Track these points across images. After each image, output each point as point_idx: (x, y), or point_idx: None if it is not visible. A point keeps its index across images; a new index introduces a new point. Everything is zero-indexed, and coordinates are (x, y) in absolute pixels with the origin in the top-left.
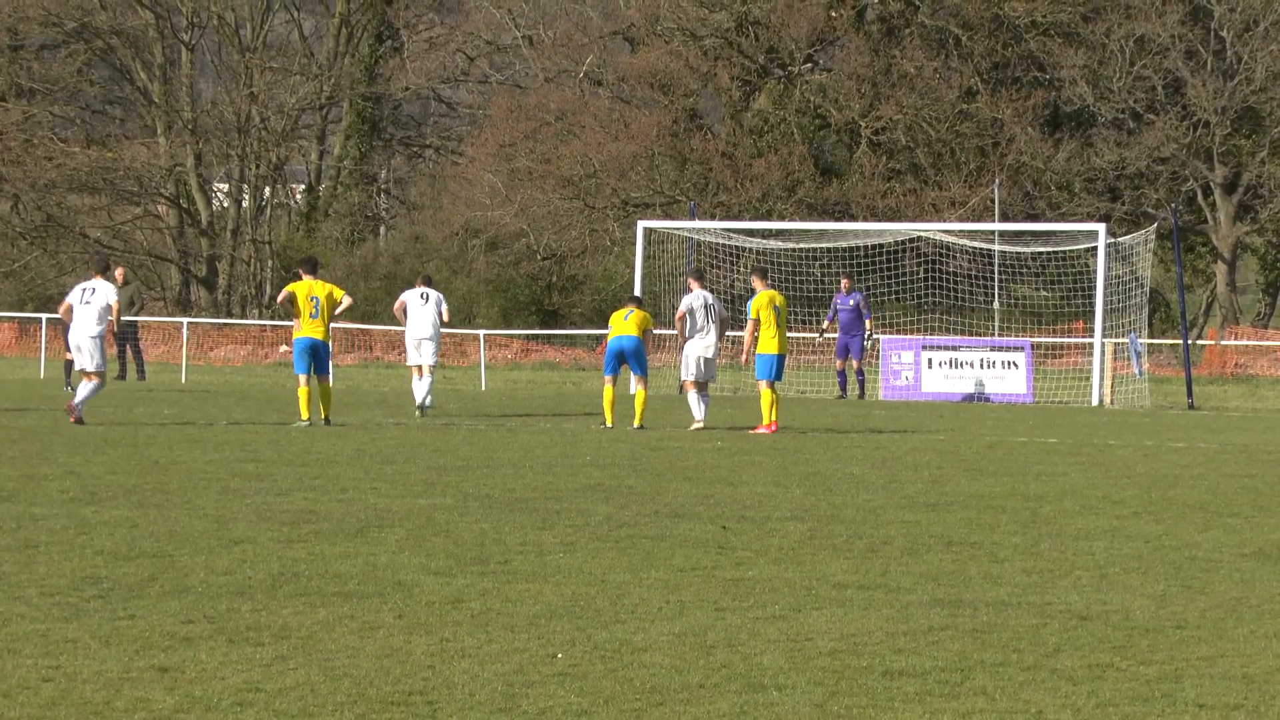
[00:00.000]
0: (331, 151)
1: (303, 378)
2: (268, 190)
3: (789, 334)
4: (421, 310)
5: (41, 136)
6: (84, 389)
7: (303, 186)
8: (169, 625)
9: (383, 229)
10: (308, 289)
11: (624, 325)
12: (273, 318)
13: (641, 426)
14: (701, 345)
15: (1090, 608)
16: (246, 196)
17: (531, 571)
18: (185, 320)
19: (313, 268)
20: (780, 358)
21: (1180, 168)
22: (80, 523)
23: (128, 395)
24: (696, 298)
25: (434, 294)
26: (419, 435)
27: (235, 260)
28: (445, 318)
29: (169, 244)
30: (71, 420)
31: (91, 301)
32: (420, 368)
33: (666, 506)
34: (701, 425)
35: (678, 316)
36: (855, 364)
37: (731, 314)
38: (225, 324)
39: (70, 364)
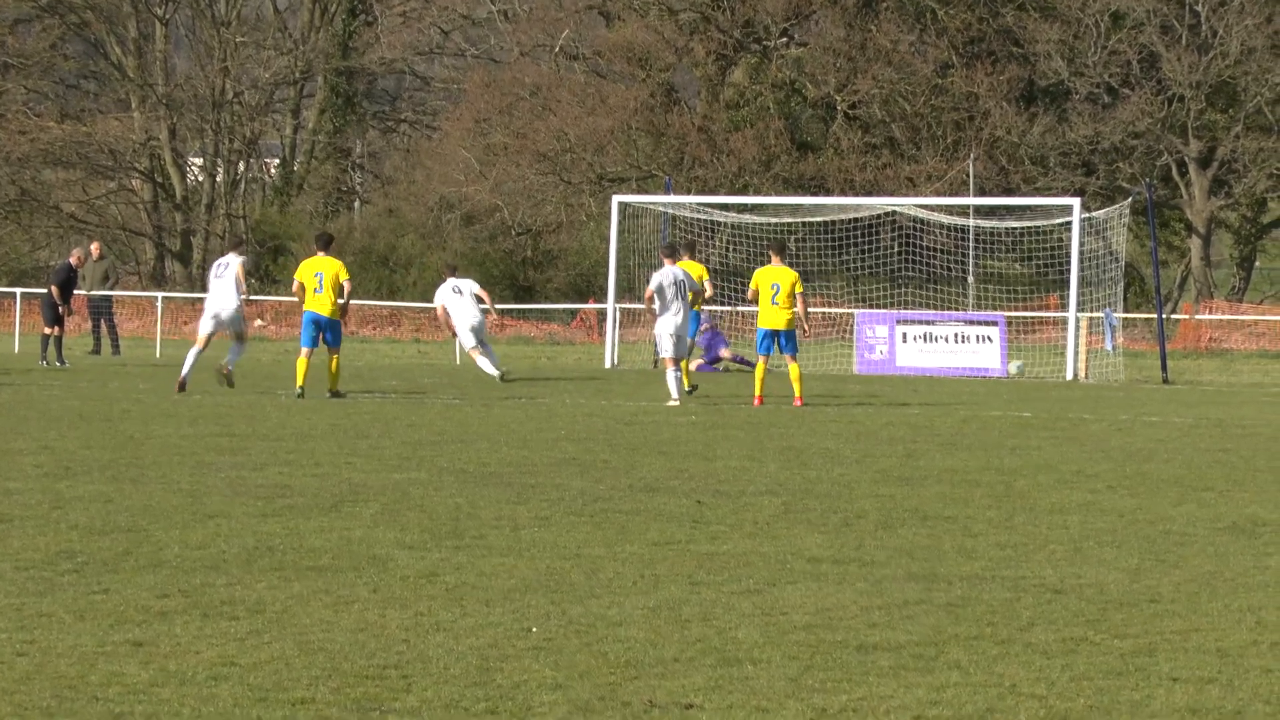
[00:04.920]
0: (306, 126)
1: (305, 351)
2: (242, 165)
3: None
4: (461, 302)
5: (15, 111)
6: (231, 351)
7: (277, 161)
8: (143, 599)
9: (357, 203)
10: (314, 266)
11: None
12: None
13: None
14: (673, 323)
15: (1064, 582)
16: (221, 171)
17: (506, 546)
18: (160, 295)
19: (325, 244)
20: (769, 332)
21: (1155, 142)
22: (54, 497)
23: (102, 370)
24: (666, 274)
25: (465, 284)
26: (393, 410)
27: (210, 235)
28: (485, 298)
29: (143, 218)
30: (225, 374)
31: (224, 275)
32: (477, 348)
33: (641, 481)
34: (677, 403)
35: (647, 295)
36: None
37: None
38: (200, 298)
39: (47, 338)
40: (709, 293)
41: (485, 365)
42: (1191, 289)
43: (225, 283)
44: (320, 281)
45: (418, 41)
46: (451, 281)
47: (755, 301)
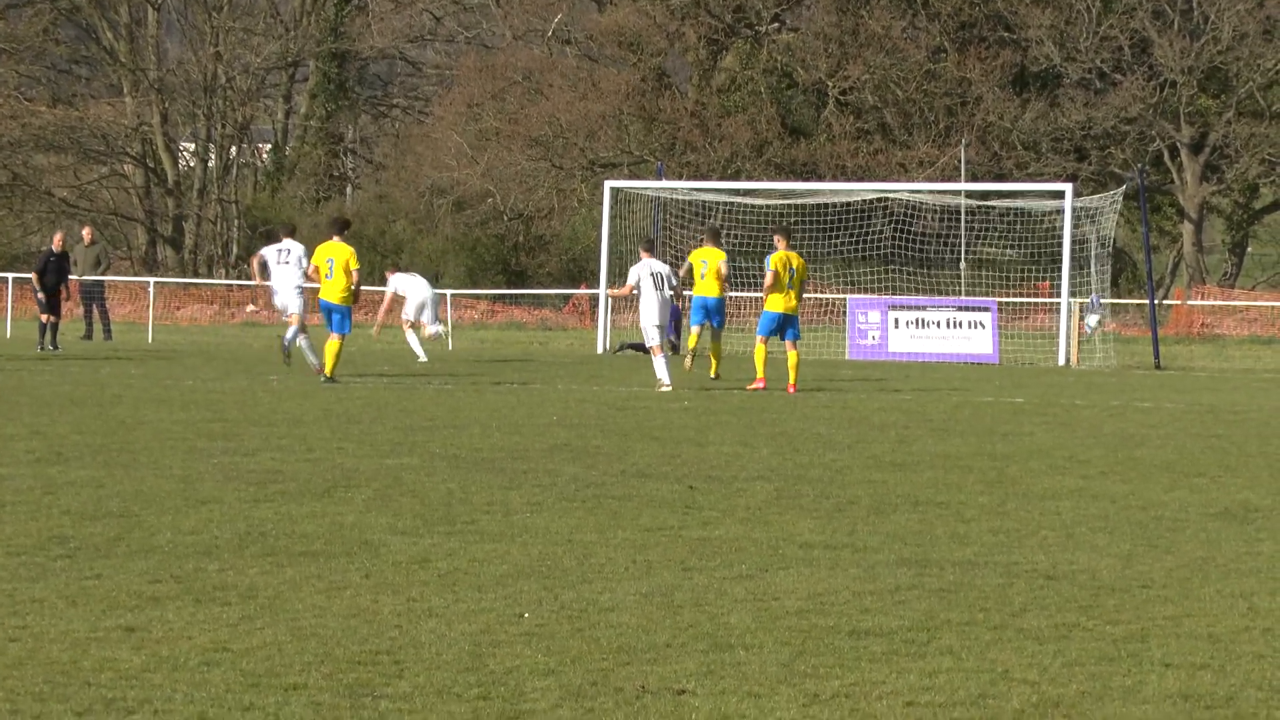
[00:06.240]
0: (298, 111)
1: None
2: (234, 150)
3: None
4: (416, 282)
5: (7, 95)
6: (304, 345)
7: (269, 146)
8: (136, 585)
9: (349, 189)
10: (327, 251)
11: (706, 286)
12: (239, 277)
13: (717, 376)
14: (655, 314)
15: (1057, 567)
16: (213, 156)
17: (498, 531)
18: (151, 280)
19: (340, 229)
20: (781, 316)
21: (1147, 128)
22: (46, 482)
23: (94, 355)
24: (644, 267)
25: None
26: (386, 395)
27: (201, 220)
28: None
29: (135, 203)
30: (317, 372)
31: (289, 261)
32: (421, 323)
33: (633, 466)
34: (669, 388)
35: (626, 289)
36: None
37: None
38: (191, 283)
39: (44, 324)
40: (723, 272)
41: (413, 343)
42: (1184, 274)
43: (291, 269)
44: (331, 267)
45: (409, 27)
46: (403, 275)
47: (774, 286)
